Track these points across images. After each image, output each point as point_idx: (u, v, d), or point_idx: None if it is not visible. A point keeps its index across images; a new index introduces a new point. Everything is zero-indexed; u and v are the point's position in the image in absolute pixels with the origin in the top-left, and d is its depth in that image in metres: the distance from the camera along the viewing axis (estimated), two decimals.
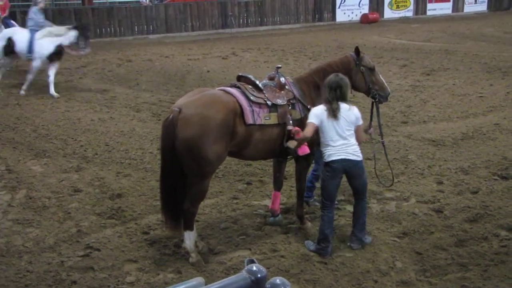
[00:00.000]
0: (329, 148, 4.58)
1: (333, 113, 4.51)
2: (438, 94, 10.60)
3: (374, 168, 5.71)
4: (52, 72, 10.72)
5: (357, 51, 5.12)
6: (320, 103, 4.91)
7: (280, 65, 5.12)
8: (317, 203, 5.62)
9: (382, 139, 5.54)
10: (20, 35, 10.67)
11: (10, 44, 10.57)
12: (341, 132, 4.53)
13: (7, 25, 12.97)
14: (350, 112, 4.55)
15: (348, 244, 4.82)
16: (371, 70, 5.16)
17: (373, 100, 5.26)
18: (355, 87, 5.20)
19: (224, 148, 4.38)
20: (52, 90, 10.71)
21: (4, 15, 13.63)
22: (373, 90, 5.17)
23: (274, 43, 18.14)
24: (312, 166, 5.62)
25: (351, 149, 4.56)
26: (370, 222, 5.24)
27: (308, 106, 4.86)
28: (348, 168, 4.58)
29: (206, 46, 17.93)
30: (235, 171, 6.69)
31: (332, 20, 25.48)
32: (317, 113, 4.59)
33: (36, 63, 10.64)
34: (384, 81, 5.28)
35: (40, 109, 9.77)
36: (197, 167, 4.36)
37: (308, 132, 4.52)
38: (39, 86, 11.71)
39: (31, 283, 4.27)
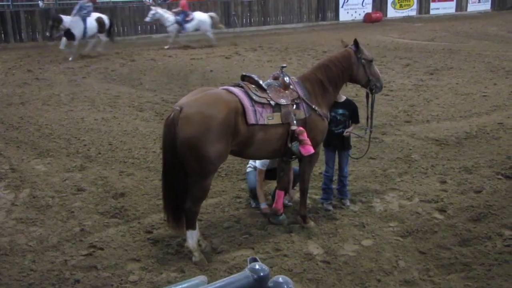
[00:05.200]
0: None
1: None
2: (441, 93, 10.56)
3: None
4: None
5: (356, 43, 5.13)
6: (324, 101, 4.90)
7: (285, 65, 5.08)
8: (331, 208, 5.52)
9: (371, 128, 5.54)
10: None
11: None
12: None
13: None
14: None
15: None
16: (370, 62, 5.18)
17: (369, 92, 5.26)
18: (356, 80, 5.21)
19: (225, 147, 4.36)
20: None
21: None
22: (371, 82, 5.19)
23: (277, 42, 18.12)
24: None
25: None
26: (373, 221, 5.23)
27: (313, 106, 4.84)
28: None
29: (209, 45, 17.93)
30: (238, 170, 6.68)
31: (335, 19, 25.50)
32: None
33: None
34: (378, 71, 5.32)
35: (43, 109, 9.80)
36: (198, 166, 4.34)
37: None
38: (43, 85, 11.75)
39: (34, 282, 4.28)
